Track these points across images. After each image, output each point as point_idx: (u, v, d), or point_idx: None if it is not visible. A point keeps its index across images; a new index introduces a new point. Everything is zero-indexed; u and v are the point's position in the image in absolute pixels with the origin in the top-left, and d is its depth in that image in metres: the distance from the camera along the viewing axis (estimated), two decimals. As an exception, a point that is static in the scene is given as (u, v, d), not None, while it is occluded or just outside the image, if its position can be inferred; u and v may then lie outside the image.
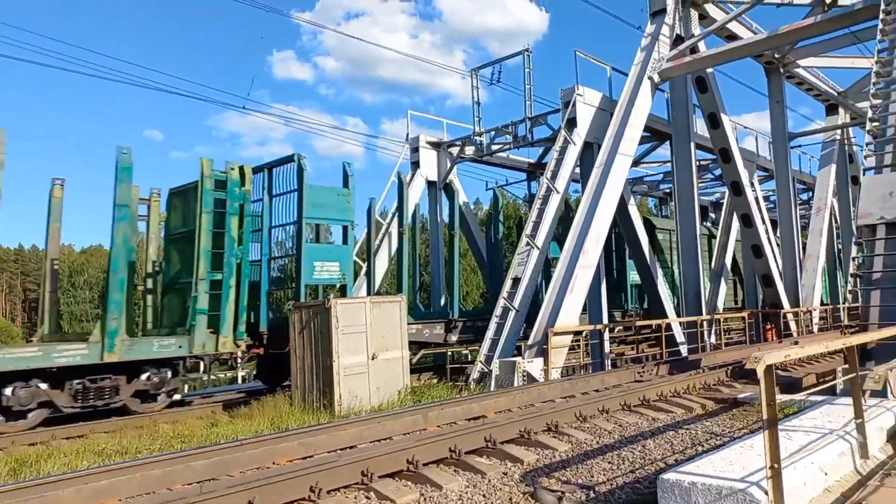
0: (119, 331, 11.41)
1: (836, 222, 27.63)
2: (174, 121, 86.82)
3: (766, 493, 3.84)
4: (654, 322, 17.93)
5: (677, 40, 18.10)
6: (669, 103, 20.07)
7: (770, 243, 21.04)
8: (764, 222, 21.38)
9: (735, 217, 22.44)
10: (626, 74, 17.63)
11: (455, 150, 22.23)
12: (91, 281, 67.70)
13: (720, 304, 24.37)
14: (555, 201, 16.43)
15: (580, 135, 17.28)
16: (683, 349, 18.08)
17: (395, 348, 12.28)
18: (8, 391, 10.35)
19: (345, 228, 15.47)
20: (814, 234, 23.91)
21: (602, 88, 18.33)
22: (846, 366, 6.60)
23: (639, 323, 19.86)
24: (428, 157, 21.89)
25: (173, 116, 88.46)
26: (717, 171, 26.36)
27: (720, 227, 25.96)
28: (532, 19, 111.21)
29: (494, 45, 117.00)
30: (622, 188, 17.09)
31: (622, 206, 18.52)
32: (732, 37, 18.93)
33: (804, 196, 33.05)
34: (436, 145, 22.18)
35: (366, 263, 17.76)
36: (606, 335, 17.38)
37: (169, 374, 12.34)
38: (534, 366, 13.41)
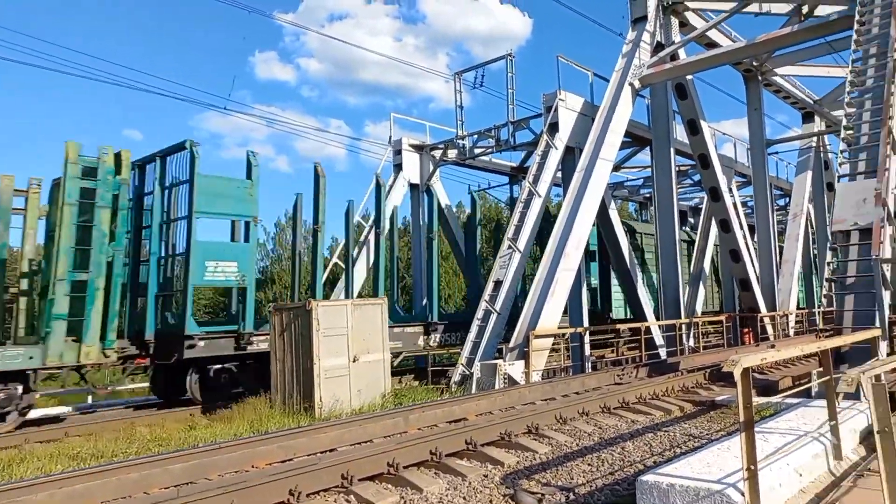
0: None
1: (812, 228, 28.12)
2: (154, 121, 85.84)
3: (743, 494, 3.90)
4: (633, 325, 18.10)
5: (658, 47, 18.32)
6: (650, 109, 20.30)
7: (747, 248, 21.36)
8: (742, 227, 21.70)
9: (713, 222, 22.75)
10: (608, 80, 17.80)
11: (438, 154, 22.25)
12: None
13: (699, 308, 24.66)
14: (536, 205, 16.53)
15: (562, 139, 17.40)
16: (662, 352, 18.26)
17: (376, 351, 12.24)
18: None
19: (247, 224, 14.20)
20: (790, 240, 24.32)
21: (584, 94, 18.52)
22: (821, 369, 6.71)
23: (619, 326, 20.03)
24: (410, 160, 21.88)
25: (153, 116, 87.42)
26: (697, 177, 26.68)
27: (699, 232, 26.31)
28: (515, 24, 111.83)
29: (478, 48, 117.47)
30: (603, 192, 17.24)
31: (603, 211, 18.69)
32: (712, 44, 19.21)
33: (781, 202, 33.60)
34: (418, 148, 22.18)
35: (345, 267, 17.68)
36: (587, 338, 17.49)
37: (19, 389, 10.91)
38: (515, 368, 13.45)
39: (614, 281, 22.37)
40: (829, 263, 10.81)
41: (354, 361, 11.75)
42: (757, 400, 8.05)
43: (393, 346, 14.85)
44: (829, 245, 11.08)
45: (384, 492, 5.63)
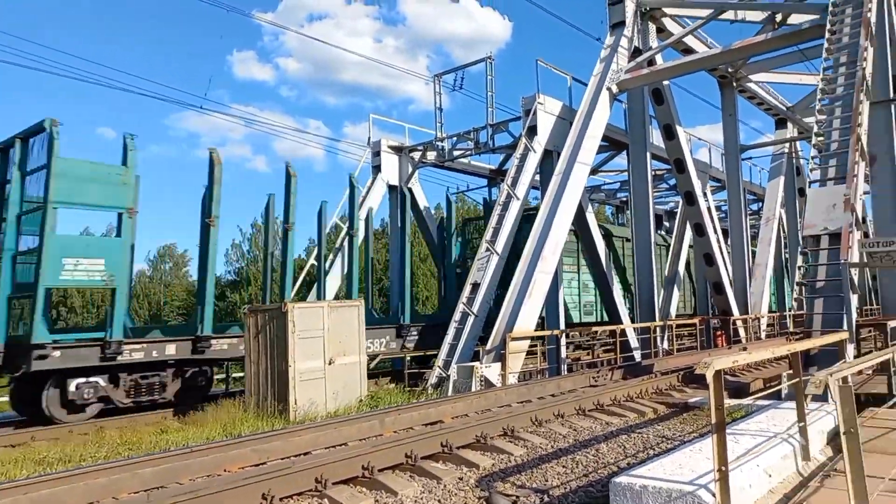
0: None
1: (784, 232, 28.63)
2: (129, 119, 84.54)
3: (714, 495, 3.94)
4: (609, 328, 18.25)
5: (635, 52, 18.52)
6: (627, 114, 20.52)
7: (721, 252, 21.68)
8: (716, 231, 22.01)
9: (688, 226, 23.04)
10: (586, 84, 17.95)
11: (417, 155, 22.24)
12: None
13: (673, 311, 24.95)
14: (515, 207, 16.60)
15: (540, 142, 17.50)
16: (637, 354, 18.44)
17: (352, 353, 12.17)
18: None
19: (119, 216, 12.51)
20: (763, 244, 24.74)
21: (562, 97, 18.66)
22: (791, 371, 6.83)
23: (595, 329, 20.18)
24: (389, 162, 21.83)
25: (129, 115, 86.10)
26: (672, 181, 27.02)
27: (673, 236, 26.62)
28: (495, 27, 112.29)
29: (458, 51, 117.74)
30: (580, 196, 17.37)
31: (580, 214, 18.82)
32: (688, 51, 19.49)
33: (754, 206, 34.16)
34: (397, 150, 22.14)
35: (317, 268, 17.49)
36: (563, 340, 17.60)
37: None
38: (491, 371, 13.47)
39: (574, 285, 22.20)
40: (799, 267, 11.02)
41: (330, 364, 11.67)
42: (729, 402, 8.15)
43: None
44: (799, 249, 11.30)
45: (358, 495, 5.59)
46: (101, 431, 10.86)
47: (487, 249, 16.07)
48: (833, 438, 6.03)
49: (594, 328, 20.12)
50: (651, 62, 18.22)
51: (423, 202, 22.42)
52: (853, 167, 10.68)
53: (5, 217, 12.26)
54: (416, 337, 17.62)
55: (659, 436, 7.61)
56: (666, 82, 19.51)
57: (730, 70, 22.26)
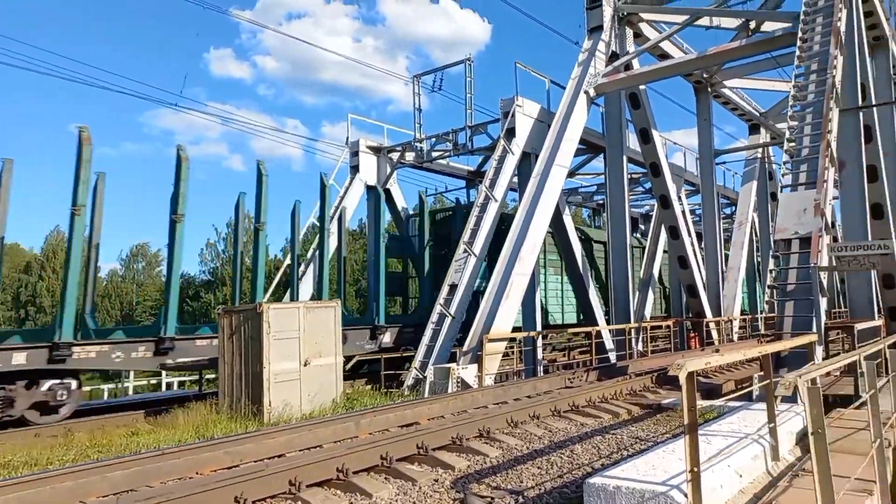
0: None
1: (757, 236, 29.12)
2: (103, 116, 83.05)
3: (686, 495, 3.98)
4: (585, 329, 18.38)
5: (613, 57, 18.70)
6: (604, 117, 20.70)
7: (695, 255, 21.96)
8: (690, 235, 22.30)
9: (663, 229, 23.31)
10: (564, 88, 18.07)
11: (395, 156, 22.19)
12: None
13: (648, 313, 25.22)
14: (493, 209, 16.64)
15: (519, 145, 17.58)
16: (613, 356, 18.60)
17: (328, 354, 12.09)
18: None
19: None
20: (735, 247, 25.14)
21: (541, 100, 18.78)
22: (762, 373, 6.94)
23: (570, 330, 20.32)
24: (368, 162, 21.75)
25: (102, 111, 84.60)
26: (648, 185, 27.32)
27: (649, 239, 26.91)
28: (475, 29, 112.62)
29: (438, 52, 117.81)
30: (558, 198, 17.47)
31: (557, 216, 18.93)
32: (664, 56, 19.73)
33: (727, 210, 34.72)
34: (376, 150, 22.06)
35: (291, 269, 17.28)
36: (539, 342, 17.68)
37: None
38: (468, 372, 13.48)
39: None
40: (771, 271, 11.21)
41: (306, 365, 11.57)
42: (701, 403, 8.27)
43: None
44: (771, 253, 11.49)
45: (333, 497, 5.56)
46: (70, 434, 10.63)
47: (465, 251, 16.08)
48: (802, 439, 6.14)
49: (570, 330, 20.27)
50: (628, 67, 18.41)
51: (401, 203, 22.37)
52: (823, 173, 10.90)
53: None
54: (396, 337, 17.53)
55: (633, 437, 7.68)
56: (642, 87, 19.73)
57: (705, 76, 22.60)
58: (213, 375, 17.71)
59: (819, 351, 9.43)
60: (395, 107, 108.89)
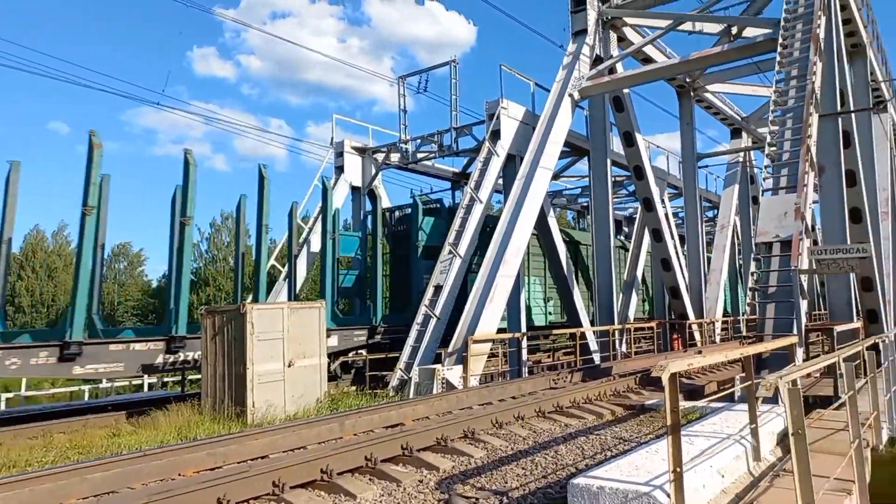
0: None
1: (738, 239, 29.45)
2: (83, 114, 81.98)
3: (669, 495, 4.02)
4: (569, 331, 18.47)
5: (597, 60, 18.83)
6: (588, 121, 20.83)
7: (678, 257, 22.17)
8: (673, 237, 22.51)
9: (646, 231, 23.51)
10: (549, 90, 18.17)
11: (380, 157, 22.17)
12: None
13: (631, 314, 25.41)
14: (478, 211, 16.66)
15: (504, 147, 17.64)
16: (597, 357, 18.70)
17: (313, 355, 12.03)
18: None
19: None
20: (717, 250, 25.42)
21: (526, 102, 18.86)
22: (744, 374, 7.02)
23: (555, 331, 20.41)
24: (352, 163, 21.72)
25: (82, 109, 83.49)
26: (631, 188, 27.53)
27: (633, 241, 27.12)
28: (460, 31, 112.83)
29: (423, 54, 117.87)
30: (542, 200, 17.55)
31: (542, 218, 19.00)
32: (648, 60, 19.90)
33: (710, 213, 35.06)
34: (361, 151, 22.04)
35: (286, 268, 17.31)
36: (524, 343, 17.74)
37: None
38: (453, 373, 13.49)
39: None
40: (752, 273, 11.34)
41: (290, 366, 11.51)
42: (684, 404, 8.34)
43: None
44: (752, 256, 11.63)
45: (317, 499, 5.54)
46: (50, 435, 10.47)
47: (450, 252, 16.09)
48: (783, 439, 6.23)
49: (555, 331, 20.35)
50: (612, 70, 18.55)
51: (386, 203, 22.33)
52: (803, 177, 11.05)
53: None
54: (389, 337, 17.43)
55: (616, 437, 7.74)
56: (626, 90, 19.88)
57: (688, 80, 22.82)
58: (196, 376, 17.53)
59: (800, 353, 9.56)
60: (381, 107, 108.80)
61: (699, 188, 24.30)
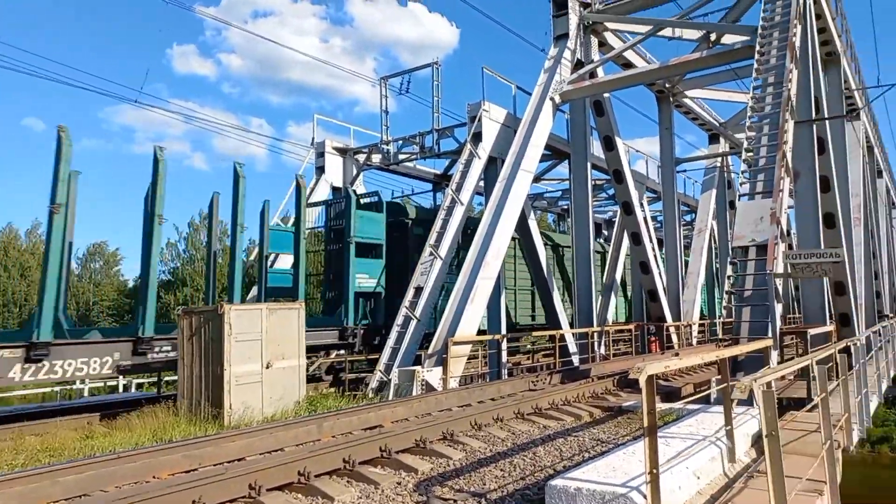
0: None
1: (716, 242, 29.82)
2: (60, 111, 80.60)
3: (645, 497, 4.06)
4: (549, 333, 18.56)
5: (578, 65, 18.95)
6: (569, 124, 20.97)
7: (656, 261, 22.40)
8: (651, 241, 22.73)
9: (626, 235, 23.71)
10: (530, 94, 18.25)
11: (362, 158, 22.10)
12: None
13: (610, 317, 25.61)
14: (459, 212, 16.68)
15: (485, 149, 17.68)
16: (576, 359, 18.81)
17: (291, 357, 11.93)
18: None
19: None
20: (695, 253, 25.73)
21: (507, 105, 18.94)
22: (720, 376, 7.10)
23: (535, 333, 20.50)
24: (333, 163, 21.63)
25: (59, 106, 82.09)
26: (611, 191, 27.76)
27: (612, 244, 27.34)
28: (443, 33, 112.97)
29: (406, 55, 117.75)
30: (523, 203, 17.62)
31: (523, 221, 19.09)
32: (628, 65, 20.08)
33: (688, 217, 35.47)
34: (342, 151, 21.95)
35: (258, 269, 16.95)
36: (504, 345, 17.78)
37: None
38: (433, 375, 13.48)
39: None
40: (729, 277, 11.49)
41: (268, 368, 11.40)
42: (661, 406, 8.43)
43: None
44: (729, 259, 11.78)
45: (293, 501, 5.50)
46: (20, 437, 10.26)
47: (431, 254, 16.08)
48: (757, 441, 6.31)
49: (534, 333, 20.43)
50: (593, 75, 18.69)
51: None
52: (779, 182, 11.22)
53: None
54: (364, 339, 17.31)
55: (594, 439, 7.79)
56: (607, 95, 20.04)
57: (667, 85, 23.08)
58: (173, 377, 17.21)
59: (774, 355, 9.70)
60: (362, 108, 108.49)
61: (677, 192, 24.58)
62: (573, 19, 18.85)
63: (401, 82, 21.84)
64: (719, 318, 26.02)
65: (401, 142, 21.01)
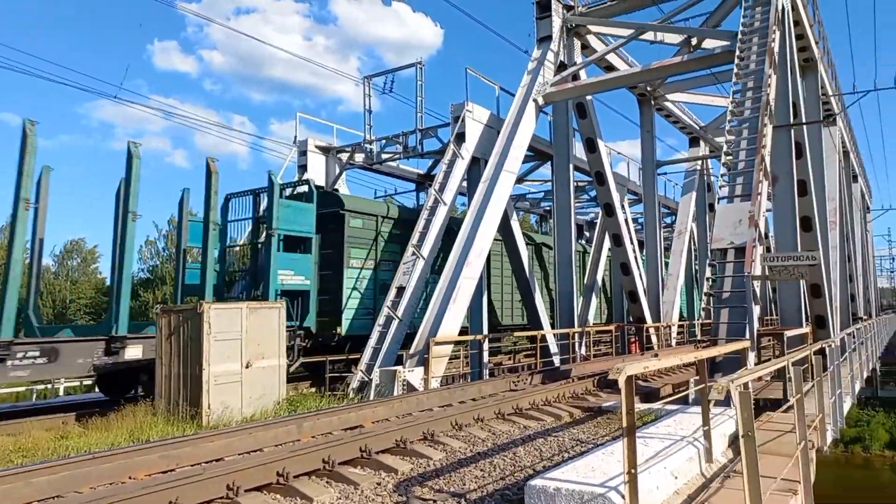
0: None
1: (695, 245, 30.16)
2: (37, 105, 79.24)
3: (624, 497, 4.09)
4: (530, 333, 18.64)
5: (561, 67, 19.05)
6: (552, 126, 21.06)
7: (637, 262, 22.57)
8: (632, 242, 22.90)
9: (607, 236, 23.87)
10: (514, 95, 18.32)
11: (344, 157, 22.01)
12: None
13: (591, 318, 25.77)
14: (442, 213, 16.68)
15: (468, 150, 17.70)
16: (557, 359, 18.91)
17: (271, 356, 11.85)
18: None
19: None
20: (675, 255, 25.99)
21: (490, 106, 18.97)
22: (698, 377, 7.18)
23: (517, 334, 20.57)
24: (316, 162, 21.51)
25: (36, 100, 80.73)
26: (593, 193, 27.93)
27: (593, 245, 27.53)
28: (427, 34, 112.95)
29: (389, 55, 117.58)
30: (506, 203, 17.66)
31: (505, 221, 19.14)
32: (610, 68, 20.23)
33: (668, 219, 35.85)
34: (325, 150, 21.84)
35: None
36: (486, 345, 17.81)
37: None
38: (414, 375, 13.47)
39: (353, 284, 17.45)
40: (708, 279, 11.64)
41: (247, 367, 11.32)
42: (640, 406, 8.50)
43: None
44: (708, 262, 11.93)
45: (272, 502, 5.47)
46: (-8, 438, 10.07)
47: (413, 254, 16.06)
48: (734, 441, 6.39)
49: (516, 333, 20.49)
50: (575, 77, 18.79)
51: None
52: (757, 186, 11.38)
53: None
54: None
55: (574, 439, 7.83)
56: (589, 97, 20.17)
57: (648, 89, 23.29)
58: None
59: (751, 356, 9.83)
60: (346, 107, 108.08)
61: (658, 195, 24.82)
62: (556, 22, 18.94)
63: (384, 82, 21.80)
64: (698, 320, 26.33)
65: (384, 141, 20.95)
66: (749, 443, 4.17)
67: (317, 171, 21.40)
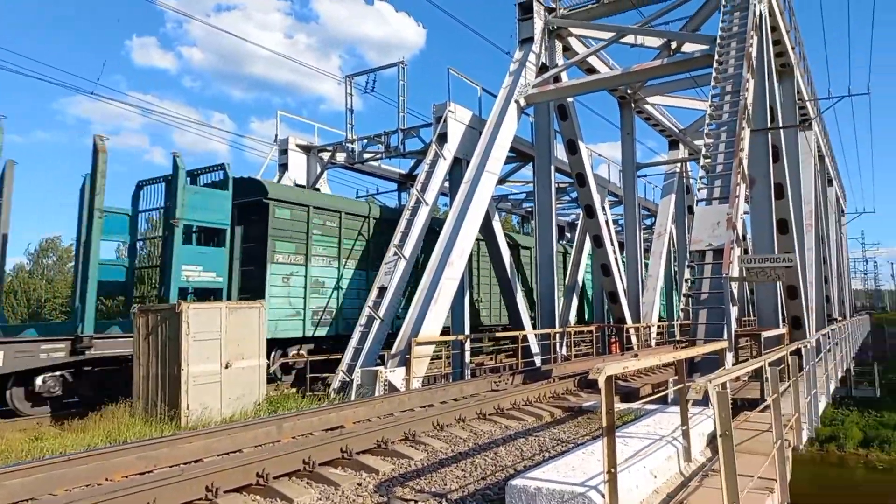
0: None
1: (674, 246, 30.49)
2: (10, 101, 77.74)
3: (604, 496, 4.12)
4: (511, 334, 18.70)
5: (543, 68, 19.15)
6: (533, 127, 21.17)
7: (617, 263, 22.77)
8: (612, 243, 23.10)
9: (588, 237, 24.05)
10: (496, 96, 18.37)
11: (326, 156, 21.91)
12: None
13: (572, 318, 25.94)
14: (424, 213, 16.67)
15: (450, 150, 17.71)
16: (538, 360, 18.99)
17: (251, 356, 11.76)
18: None
19: None
20: (654, 257, 26.27)
21: (473, 107, 19.00)
22: (677, 377, 7.26)
23: (498, 334, 20.62)
24: (297, 161, 21.38)
25: (9, 96, 79.18)
26: (574, 194, 28.11)
27: (574, 246, 27.72)
28: (409, 33, 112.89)
29: (371, 54, 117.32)
30: (488, 204, 17.71)
31: (487, 222, 19.18)
32: (592, 70, 20.40)
33: (648, 221, 36.20)
34: (306, 149, 21.72)
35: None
36: (467, 345, 17.83)
37: None
38: (396, 375, 13.44)
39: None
40: (686, 280, 11.77)
41: (227, 368, 11.21)
42: (619, 406, 8.58)
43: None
44: (687, 263, 12.07)
45: (252, 503, 5.42)
46: (-36, 440, 9.86)
47: (395, 254, 16.04)
48: (712, 440, 6.47)
49: (497, 333, 20.54)
50: (557, 79, 18.91)
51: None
52: (735, 188, 11.54)
53: None
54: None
55: (555, 439, 7.87)
56: (570, 99, 20.31)
57: (629, 91, 23.50)
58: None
59: (729, 357, 9.97)
60: (328, 106, 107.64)
61: (638, 196, 25.06)
62: (538, 24, 19.04)
63: (366, 81, 21.76)
64: (677, 321, 26.59)
65: (366, 141, 20.89)
66: (727, 442, 4.22)
67: (298, 171, 21.29)
